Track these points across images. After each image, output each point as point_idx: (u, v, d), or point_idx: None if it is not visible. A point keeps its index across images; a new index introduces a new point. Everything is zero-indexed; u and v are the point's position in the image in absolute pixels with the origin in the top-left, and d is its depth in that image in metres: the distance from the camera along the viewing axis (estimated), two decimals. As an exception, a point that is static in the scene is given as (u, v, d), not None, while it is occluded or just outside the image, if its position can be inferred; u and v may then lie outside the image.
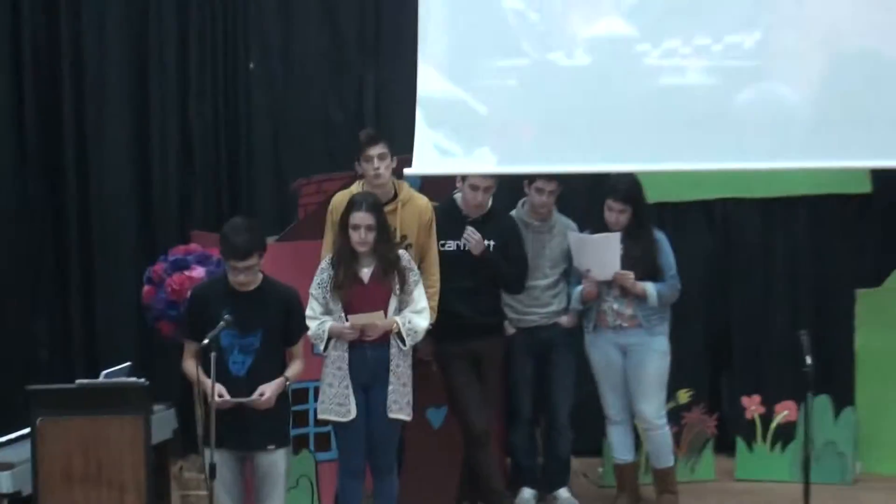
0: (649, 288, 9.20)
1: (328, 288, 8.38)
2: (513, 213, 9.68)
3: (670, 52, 9.04)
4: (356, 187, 8.96)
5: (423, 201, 9.12)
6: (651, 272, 9.24)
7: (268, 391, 7.90)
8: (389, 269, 8.39)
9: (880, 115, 8.83)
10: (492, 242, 9.18)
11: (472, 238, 9.10)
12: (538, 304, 9.52)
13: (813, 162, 9.22)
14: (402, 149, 9.08)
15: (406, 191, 9.07)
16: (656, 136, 8.90)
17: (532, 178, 9.43)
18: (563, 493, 9.62)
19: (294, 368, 8.12)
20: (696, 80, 9.01)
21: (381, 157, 8.83)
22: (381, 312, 8.40)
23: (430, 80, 9.06)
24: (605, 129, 8.95)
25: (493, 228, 9.24)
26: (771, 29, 8.93)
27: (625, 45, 9.05)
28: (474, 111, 9.05)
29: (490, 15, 9.21)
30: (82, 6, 10.89)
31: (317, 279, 8.46)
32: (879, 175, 10.22)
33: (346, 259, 8.37)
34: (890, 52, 8.91)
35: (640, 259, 9.22)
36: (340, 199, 8.92)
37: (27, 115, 10.83)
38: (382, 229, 8.37)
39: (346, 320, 8.36)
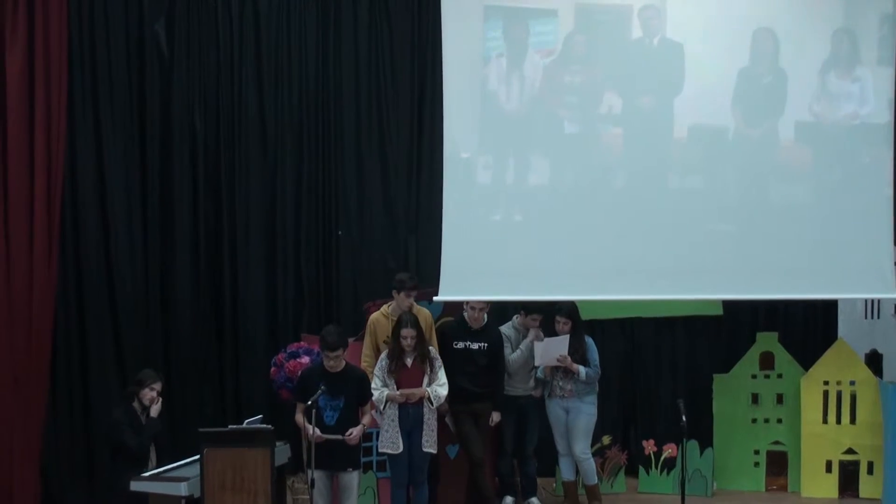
0: (581, 368, 9.21)
1: (386, 371, 8.61)
2: (506, 325, 9.55)
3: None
4: (385, 309, 9.10)
5: (426, 312, 9.14)
6: (582, 362, 9.23)
7: (355, 433, 8.12)
8: (423, 359, 8.64)
9: (721, 268, 9.01)
10: (485, 344, 9.19)
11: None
12: (520, 382, 9.49)
13: (687, 296, 9.36)
14: (431, 284, 9.25)
15: (416, 307, 9.02)
16: (586, 279, 9.00)
17: (527, 311, 9.35)
18: (534, 500, 9.59)
19: (366, 419, 8.29)
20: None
21: (414, 296, 9.03)
22: (421, 388, 8.62)
23: (448, 244, 9.10)
24: (551, 276, 9.01)
25: (486, 336, 9.24)
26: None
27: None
28: (472, 264, 9.04)
29: (481, 207, 9.26)
30: (236, 193, 10.60)
31: (378, 365, 8.68)
32: (727, 304, 10.22)
33: (397, 354, 8.62)
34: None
35: (576, 353, 9.21)
36: (376, 317, 9.13)
37: (201, 260, 10.59)
38: (420, 336, 8.62)
39: (397, 390, 8.58)
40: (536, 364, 9.34)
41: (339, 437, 8.08)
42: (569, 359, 9.20)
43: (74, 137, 10.15)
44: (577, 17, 9.13)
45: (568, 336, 9.25)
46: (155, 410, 8.62)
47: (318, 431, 7.90)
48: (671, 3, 9.07)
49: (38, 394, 9.75)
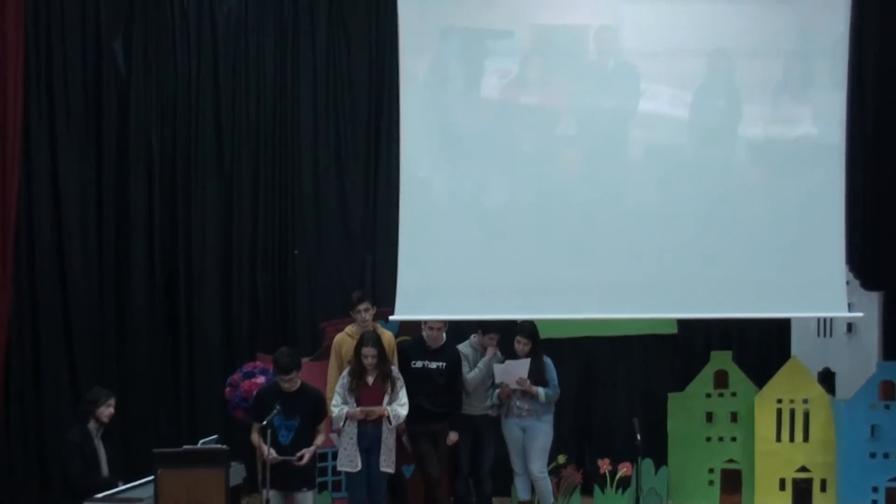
0: (540, 390, 9.22)
1: (347, 389, 8.61)
2: (464, 343, 9.57)
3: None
4: (350, 329, 9.14)
5: (389, 334, 9.18)
6: (541, 382, 9.24)
7: (306, 456, 8.12)
8: (385, 378, 8.64)
9: (675, 287, 8.94)
10: (443, 363, 9.19)
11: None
12: (478, 401, 9.49)
13: (642, 314, 9.24)
14: (388, 303, 9.09)
15: (379, 328, 9.09)
16: (543, 298, 8.87)
17: (484, 330, 9.41)
18: (489, 519, 9.56)
19: (319, 439, 8.31)
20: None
21: (366, 309, 9.04)
22: (382, 406, 8.60)
23: (405, 264, 8.95)
24: (508, 295, 8.88)
25: (445, 356, 9.24)
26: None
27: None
28: (429, 282, 8.91)
29: (438, 226, 9.11)
30: (192, 211, 10.65)
31: (339, 382, 8.68)
32: (681, 323, 10.17)
33: (358, 372, 8.61)
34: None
35: (535, 373, 9.22)
36: (340, 338, 9.15)
37: (156, 278, 10.61)
38: (382, 355, 8.63)
39: (357, 407, 8.55)
40: (497, 382, 9.33)
41: (294, 458, 8.08)
42: (528, 381, 9.22)
43: (30, 155, 10.13)
44: (534, 38, 9.13)
45: (528, 360, 9.26)
46: (107, 415, 8.52)
47: (273, 453, 7.91)
48: (627, 25, 9.06)
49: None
